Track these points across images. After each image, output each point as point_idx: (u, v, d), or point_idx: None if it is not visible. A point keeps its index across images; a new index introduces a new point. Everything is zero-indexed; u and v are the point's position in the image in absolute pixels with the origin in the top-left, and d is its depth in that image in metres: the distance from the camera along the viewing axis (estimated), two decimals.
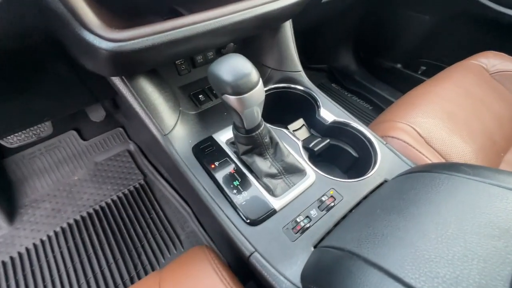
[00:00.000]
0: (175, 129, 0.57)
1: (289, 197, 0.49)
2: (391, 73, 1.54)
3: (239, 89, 0.38)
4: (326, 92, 1.60)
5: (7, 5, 0.36)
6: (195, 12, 0.50)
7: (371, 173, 0.54)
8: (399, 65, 1.50)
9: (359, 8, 1.34)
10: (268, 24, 0.62)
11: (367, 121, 1.45)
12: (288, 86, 0.71)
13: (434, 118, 0.73)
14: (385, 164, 0.57)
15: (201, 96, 0.67)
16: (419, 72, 1.47)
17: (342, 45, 1.64)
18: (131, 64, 0.45)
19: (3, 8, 0.36)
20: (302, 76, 0.72)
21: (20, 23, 0.39)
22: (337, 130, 0.64)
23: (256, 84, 0.40)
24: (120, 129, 1.26)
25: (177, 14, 0.52)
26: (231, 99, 0.39)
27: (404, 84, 1.50)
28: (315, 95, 0.69)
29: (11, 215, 0.99)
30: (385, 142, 0.61)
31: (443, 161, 0.65)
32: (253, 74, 0.39)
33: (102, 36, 0.38)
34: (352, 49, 1.66)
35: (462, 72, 0.92)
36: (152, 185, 1.11)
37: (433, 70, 1.22)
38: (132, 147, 1.22)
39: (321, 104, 0.67)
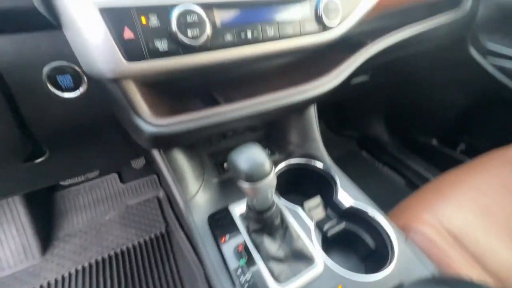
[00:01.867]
0: (197, 195, 0.62)
1: (292, 286, 0.48)
2: (426, 148, 1.49)
3: (252, 178, 0.43)
4: (355, 161, 1.60)
5: (87, 98, 0.48)
6: (229, 96, 0.59)
7: (386, 272, 0.51)
8: (434, 141, 1.45)
9: (390, 87, 1.40)
10: (296, 110, 0.70)
11: (398, 198, 1.37)
12: (307, 164, 0.74)
13: (466, 213, 0.68)
14: (404, 263, 0.53)
15: (225, 164, 0.73)
16: (458, 150, 1.40)
17: (373, 113, 1.67)
18: (170, 143, 0.54)
19: (84, 100, 0.48)
20: (323, 154, 0.75)
21: (95, 109, 0.51)
22: (354, 215, 0.63)
23: (268, 173, 0.44)
24: (155, 176, 1.38)
25: (214, 98, 0.62)
26: (245, 186, 0.44)
27: (441, 161, 1.43)
28: (334, 176, 0.70)
29: (46, 246, 1.08)
30: (405, 237, 0.57)
31: (478, 268, 0.58)
32: (266, 164, 0.44)
33: (149, 122, 0.48)
34: (384, 118, 1.67)
35: (502, 161, 0.86)
36: (172, 236, 1.15)
37: (473, 150, 1.16)
38: (161, 194, 1.31)
39: (339, 186, 0.68)
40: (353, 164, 1.54)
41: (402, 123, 1.59)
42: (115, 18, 0.40)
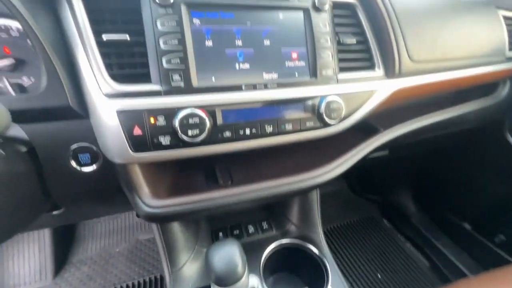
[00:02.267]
0: (185, 266, 0.64)
1: None
2: (457, 230, 1.33)
3: (222, 283, 0.43)
4: (375, 230, 1.49)
5: (100, 172, 0.55)
6: (232, 171, 0.63)
7: None
8: (467, 225, 1.29)
9: (415, 161, 1.32)
10: (300, 194, 0.70)
11: (419, 285, 1.21)
12: (302, 247, 0.72)
13: None
14: None
15: (221, 233, 0.74)
16: (496, 241, 1.22)
17: (399, 181, 1.57)
18: (166, 220, 0.58)
19: (97, 173, 0.55)
20: (321, 240, 0.73)
21: (105, 180, 0.58)
22: None
23: (240, 278, 0.44)
24: None
25: (215, 174, 0.66)
26: None
27: (474, 249, 1.26)
28: (327, 266, 0.67)
29: (58, 269, 1.17)
30: None
31: None
32: (239, 269, 0.44)
33: (147, 204, 0.53)
34: (410, 187, 1.56)
35: None
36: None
37: None
38: None
39: (330, 280, 0.64)
40: (372, 234, 1.44)
41: (431, 197, 1.46)
42: (128, 119, 0.47)
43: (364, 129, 0.77)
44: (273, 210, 0.81)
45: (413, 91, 0.72)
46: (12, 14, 0.44)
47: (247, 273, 0.46)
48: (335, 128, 0.61)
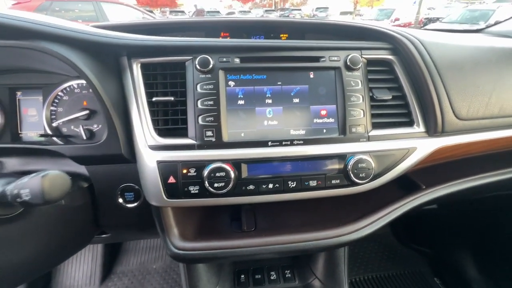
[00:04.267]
0: None
1: None
2: None
3: None
4: (421, 287, 1.29)
5: (140, 208, 0.63)
6: (258, 215, 0.64)
7: None
8: None
9: (471, 218, 1.14)
10: (325, 251, 0.68)
11: None
12: None
13: None
14: None
15: (243, 276, 0.75)
16: None
17: (456, 234, 1.35)
18: (191, 261, 0.63)
19: (138, 209, 0.63)
20: None
21: (144, 214, 0.66)
22: None
23: None
24: None
25: (239, 218, 0.68)
26: None
27: None
28: None
29: (105, 278, 1.31)
30: None
31: None
32: None
33: (175, 245, 0.58)
34: (470, 244, 1.32)
35: None
36: None
37: None
38: None
39: None
40: None
41: (498, 262, 1.22)
42: (165, 168, 0.54)
43: (403, 184, 0.72)
44: (298, 259, 0.79)
45: (461, 149, 0.65)
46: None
47: None
48: (364, 187, 0.59)
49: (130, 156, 0.59)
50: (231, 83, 0.58)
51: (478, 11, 9.67)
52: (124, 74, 0.58)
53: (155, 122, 0.56)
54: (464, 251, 1.32)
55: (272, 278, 0.74)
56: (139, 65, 0.57)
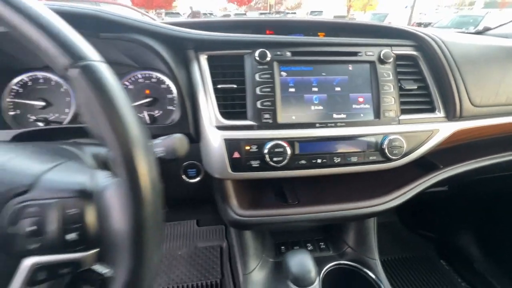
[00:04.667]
0: (254, 271, 0.75)
1: None
2: None
3: (300, 283, 0.53)
4: (430, 269, 1.40)
5: (200, 183, 0.72)
6: (298, 192, 0.74)
7: None
8: None
9: (479, 200, 1.26)
10: (358, 219, 0.78)
11: None
12: (359, 269, 0.77)
13: None
14: None
15: (283, 247, 0.84)
16: None
17: (460, 219, 1.47)
18: (245, 227, 0.72)
19: (198, 184, 0.72)
20: (377, 265, 0.78)
21: (203, 190, 0.74)
22: None
23: (313, 283, 0.54)
24: (223, 226, 1.58)
25: (284, 194, 0.77)
26: None
27: None
28: None
29: None
30: None
31: None
32: (312, 273, 0.54)
33: (234, 211, 0.67)
34: (473, 227, 1.45)
35: None
36: None
37: None
38: (225, 245, 1.48)
39: None
40: (428, 274, 1.36)
41: (500, 243, 1.34)
42: (230, 145, 0.63)
43: (424, 165, 0.82)
44: (330, 233, 0.89)
45: (474, 132, 0.76)
46: (160, 69, 0.66)
47: (318, 281, 0.55)
48: (397, 163, 0.69)
49: (195, 136, 0.67)
50: (283, 73, 0.68)
51: (468, 17, 10.05)
52: (192, 64, 0.67)
53: (219, 106, 0.65)
54: (468, 235, 1.44)
55: (309, 249, 0.83)
56: (205, 57, 0.66)
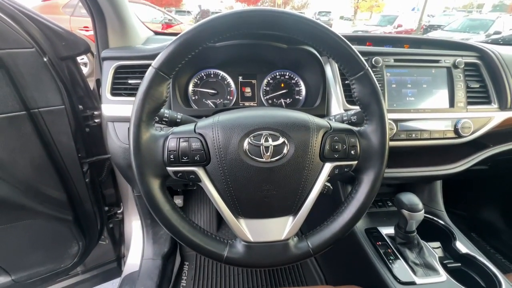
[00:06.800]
0: None
1: (424, 281, 0.81)
2: None
3: (413, 210, 0.82)
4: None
5: None
6: None
7: None
8: None
9: None
10: (428, 181, 1.08)
11: None
12: (432, 219, 1.06)
13: None
14: None
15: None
16: None
17: (488, 198, 1.75)
18: None
19: None
20: (444, 215, 1.06)
21: None
22: (469, 261, 0.91)
23: (421, 209, 0.83)
24: None
25: None
26: (406, 213, 0.83)
27: None
28: (453, 231, 1.00)
29: (219, 227, 1.67)
30: None
31: None
32: (420, 206, 0.83)
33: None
34: (502, 204, 1.72)
35: None
36: None
37: None
38: None
39: (457, 238, 0.97)
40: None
41: None
42: None
43: (478, 145, 1.11)
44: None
45: None
46: (291, 69, 0.95)
47: (423, 211, 0.83)
48: (466, 139, 0.98)
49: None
50: (388, 74, 0.96)
51: (478, 20, 10.15)
52: (326, 66, 0.96)
53: (346, 96, 0.94)
54: (494, 210, 1.72)
55: (389, 205, 1.12)
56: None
